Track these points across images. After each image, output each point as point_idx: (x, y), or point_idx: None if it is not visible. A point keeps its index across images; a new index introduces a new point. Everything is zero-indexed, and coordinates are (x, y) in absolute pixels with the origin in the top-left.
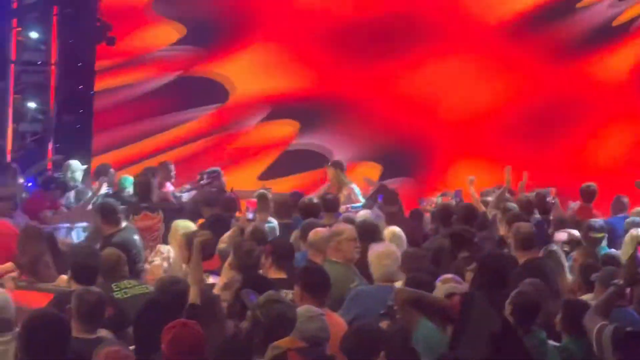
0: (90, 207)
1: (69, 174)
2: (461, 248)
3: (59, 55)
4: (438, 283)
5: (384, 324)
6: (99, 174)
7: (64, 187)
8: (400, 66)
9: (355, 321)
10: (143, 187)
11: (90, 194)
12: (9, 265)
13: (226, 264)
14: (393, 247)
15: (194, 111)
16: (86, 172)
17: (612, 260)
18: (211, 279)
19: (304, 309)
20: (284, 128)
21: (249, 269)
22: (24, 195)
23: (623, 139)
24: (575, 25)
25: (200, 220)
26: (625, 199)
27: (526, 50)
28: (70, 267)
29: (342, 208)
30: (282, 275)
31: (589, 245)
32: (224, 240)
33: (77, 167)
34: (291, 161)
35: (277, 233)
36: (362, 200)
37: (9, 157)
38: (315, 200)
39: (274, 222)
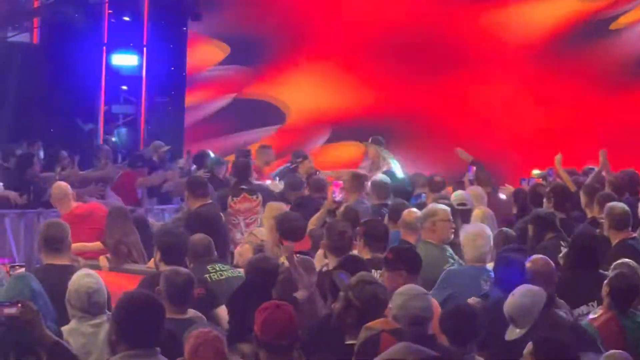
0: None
1: (154, 153)
2: (545, 230)
3: (150, 37)
4: (527, 263)
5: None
6: (199, 159)
7: (152, 166)
8: (464, 82)
9: (448, 301)
10: (242, 168)
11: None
12: (97, 244)
13: (320, 251)
14: (486, 227)
15: (253, 132)
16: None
17: None
18: None
19: (409, 287)
20: (350, 149)
21: (341, 250)
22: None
23: None
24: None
25: None
26: None
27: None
28: (158, 248)
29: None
30: (375, 256)
31: None
32: (313, 222)
33: (160, 146)
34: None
35: (370, 213)
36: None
37: (101, 139)
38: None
39: (366, 202)
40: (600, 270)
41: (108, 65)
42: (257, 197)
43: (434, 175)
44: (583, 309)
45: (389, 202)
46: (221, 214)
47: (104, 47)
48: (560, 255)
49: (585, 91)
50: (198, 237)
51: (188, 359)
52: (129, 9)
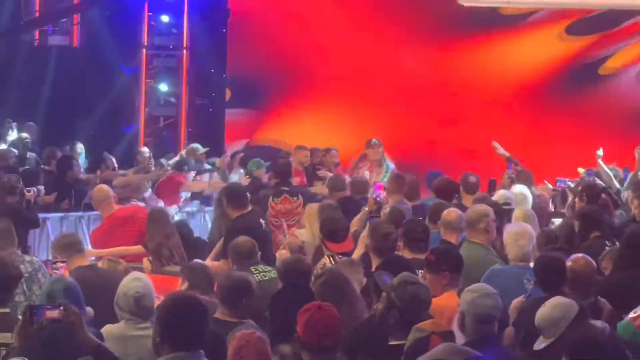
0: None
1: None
2: (591, 228)
3: (190, 38)
4: (568, 262)
5: (518, 302)
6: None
7: (197, 170)
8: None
9: None
10: (283, 169)
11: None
12: (138, 247)
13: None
14: (528, 227)
15: None
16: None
17: None
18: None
19: (480, 286)
20: None
21: (385, 252)
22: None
23: None
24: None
25: None
26: None
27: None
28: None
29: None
30: (416, 256)
31: None
32: (355, 224)
33: (197, 149)
34: None
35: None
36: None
37: (142, 141)
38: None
39: (407, 203)
40: None
41: (148, 67)
42: (297, 199)
43: (468, 175)
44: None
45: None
46: (261, 221)
47: (144, 49)
48: (600, 257)
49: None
50: (241, 239)
51: (232, 359)
52: (169, 10)
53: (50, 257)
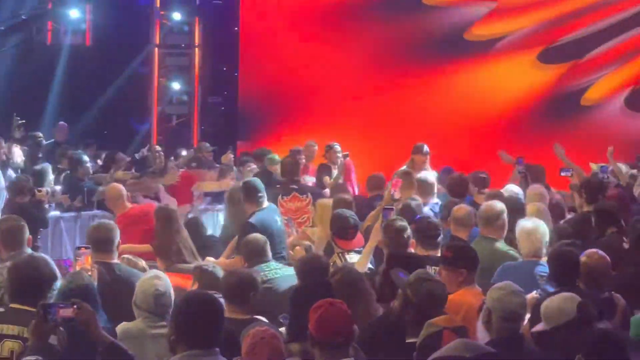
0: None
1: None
2: (608, 224)
3: (202, 37)
4: (582, 257)
5: (532, 298)
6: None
7: (207, 166)
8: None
9: None
10: (292, 167)
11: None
12: (146, 246)
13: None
14: (541, 222)
15: None
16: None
17: None
18: (355, 258)
19: (508, 283)
20: None
21: (399, 248)
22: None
23: None
24: None
25: None
26: None
27: None
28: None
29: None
30: (429, 253)
31: None
32: (370, 219)
33: (206, 147)
34: None
35: (422, 210)
36: None
37: (155, 140)
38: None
39: (418, 199)
40: None
41: (161, 65)
42: (307, 197)
43: (478, 173)
44: None
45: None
46: (277, 218)
47: (156, 48)
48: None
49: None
50: (253, 237)
51: (245, 357)
52: (180, 8)
53: (64, 256)
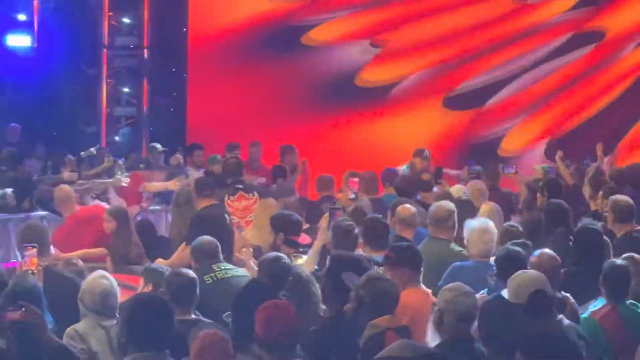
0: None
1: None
2: (557, 223)
3: (151, 38)
4: (532, 257)
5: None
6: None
7: (156, 168)
8: None
9: None
10: (236, 168)
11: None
12: (100, 250)
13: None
14: (491, 222)
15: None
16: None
17: None
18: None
19: (458, 285)
20: None
21: (346, 248)
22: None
23: None
24: None
25: None
26: None
27: None
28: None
29: None
30: (377, 254)
31: None
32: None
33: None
34: None
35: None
36: None
37: (104, 142)
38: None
39: (366, 199)
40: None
41: (109, 67)
42: (253, 195)
43: (421, 173)
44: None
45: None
46: (226, 215)
47: (105, 49)
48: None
49: None
50: (206, 239)
51: (194, 359)
52: (129, 10)
53: (12, 259)
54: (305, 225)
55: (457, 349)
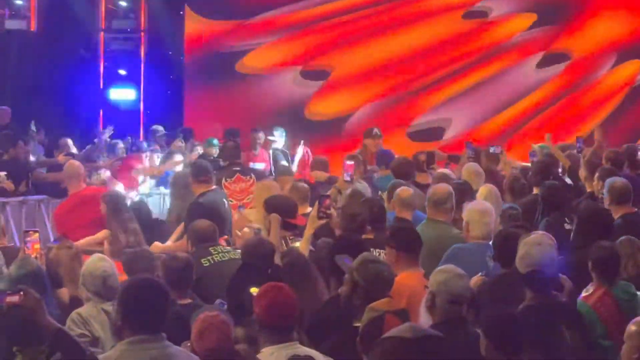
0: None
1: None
2: (553, 205)
3: (147, 22)
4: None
5: (478, 279)
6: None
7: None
8: None
9: None
10: (233, 150)
11: (179, 156)
12: (104, 232)
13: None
14: (490, 204)
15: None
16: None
17: None
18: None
19: (452, 267)
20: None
21: (353, 232)
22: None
23: None
24: None
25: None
26: None
27: None
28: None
29: None
30: (373, 235)
31: None
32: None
33: (157, 130)
34: None
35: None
36: None
37: (101, 125)
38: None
39: (363, 182)
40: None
41: (106, 50)
42: (250, 177)
43: (420, 154)
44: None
45: None
46: (224, 200)
47: (102, 33)
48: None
49: None
50: (202, 222)
51: (194, 342)
52: None
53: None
54: (307, 209)
55: (449, 330)
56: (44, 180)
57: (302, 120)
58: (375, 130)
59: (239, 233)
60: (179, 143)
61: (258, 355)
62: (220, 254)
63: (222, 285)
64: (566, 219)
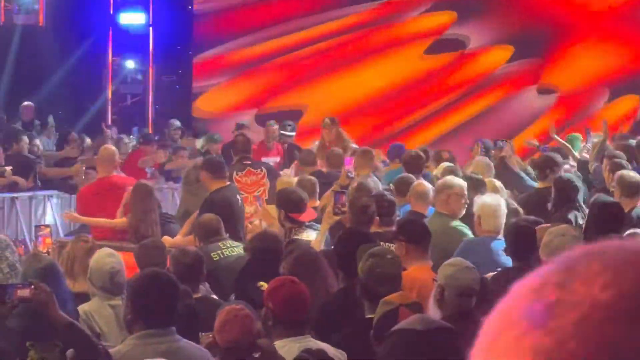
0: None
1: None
2: (565, 198)
3: (156, 15)
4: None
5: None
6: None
7: (164, 145)
8: None
9: None
10: (245, 145)
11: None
12: (122, 220)
13: (323, 225)
14: (501, 198)
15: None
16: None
17: None
18: (312, 235)
19: (460, 260)
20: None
21: (363, 225)
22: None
23: None
24: None
25: None
26: None
27: None
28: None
29: None
30: (383, 229)
31: None
32: (326, 198)
33: (176, 125)
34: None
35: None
36: None
37: (109, 119)
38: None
39: (375, 177)
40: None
41: (114, 44)
42: (261, 170)
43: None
44: None
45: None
46: (238, 197)
47: (110, 27)
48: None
49: None
50: (208, 217)
51: (216, 332)
52: None
53: (19, 238)
54: (316, 203)
55: (459, 323)
56: (45, 175)
57: None
58: (326, 119)
59: (249, 226)
60: (191, 140)
61: None
62: (229, 249)
63: (229, 280)
64: (576, 212)
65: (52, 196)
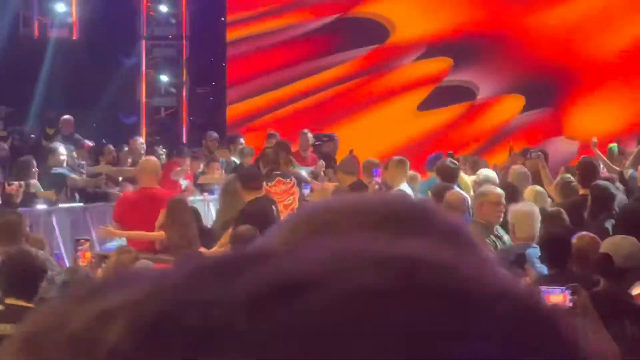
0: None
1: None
2: (602, 206)
3: (189, 28)
4: (573, 240)
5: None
6: (230, 142)
7: (197, 157)
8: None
9: None
10: (275, 157)
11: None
12: (159, 233)
13: None
14: (534, 206)
15: (351, 53)
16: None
17: None
18: None
19: None
20: (439, 64)
21: None
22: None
23: None
24: None
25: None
26: None
27: None
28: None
29: None
30: None
31: None
32: None
33: (210, 136)
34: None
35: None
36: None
37: (144, 132)
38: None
39: (408, 187)
40: None
41: (148, 57)
42: (290, 180)
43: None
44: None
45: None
46: (273, 208)
47: (144, 40)
48: None
49: None
50: (244, 228)
51: None
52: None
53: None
54: None
55: None
56: (75, 186)
57: None
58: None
59: None
60: (225, 152)
61: None
62: None
63: None
64: (612, 220)
65: (88, 209)
